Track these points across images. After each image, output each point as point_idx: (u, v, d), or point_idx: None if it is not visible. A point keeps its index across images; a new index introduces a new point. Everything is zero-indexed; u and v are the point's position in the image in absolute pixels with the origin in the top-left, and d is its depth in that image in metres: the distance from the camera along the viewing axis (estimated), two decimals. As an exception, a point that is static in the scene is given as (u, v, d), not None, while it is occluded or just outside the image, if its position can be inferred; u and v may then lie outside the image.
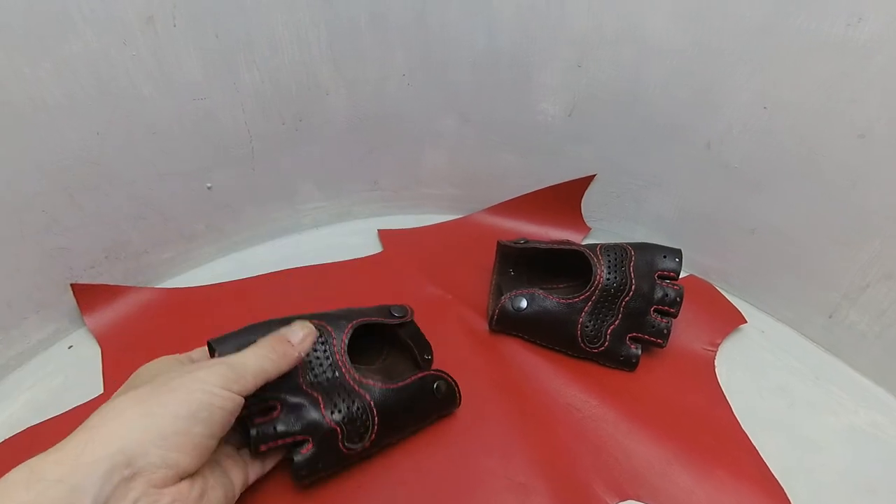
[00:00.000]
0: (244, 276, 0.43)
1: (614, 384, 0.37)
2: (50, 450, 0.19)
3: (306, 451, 0.26)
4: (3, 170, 0.31)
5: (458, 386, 0.33)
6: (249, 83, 0.38)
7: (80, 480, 0.18)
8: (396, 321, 0.33)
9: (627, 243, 0.39)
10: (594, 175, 0.46)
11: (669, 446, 0.33)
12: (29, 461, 0.18)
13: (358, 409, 0.28)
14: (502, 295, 0.39)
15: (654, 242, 0.40)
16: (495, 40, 0.42)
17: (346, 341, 0.29)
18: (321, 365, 0.28)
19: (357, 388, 0.28)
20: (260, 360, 0.24)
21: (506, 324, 0.39)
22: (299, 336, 0.26)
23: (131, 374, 0.36)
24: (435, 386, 0.32)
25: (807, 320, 0.41)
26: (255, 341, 0.26)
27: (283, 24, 0.38)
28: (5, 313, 0.34)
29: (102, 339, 0.38)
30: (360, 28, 0.40)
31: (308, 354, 0.28)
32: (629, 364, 0.38)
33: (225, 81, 0.37)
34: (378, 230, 0.48)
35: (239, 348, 0.25)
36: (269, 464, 0.27)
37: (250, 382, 0.23)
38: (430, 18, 0.41)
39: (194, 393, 0.21)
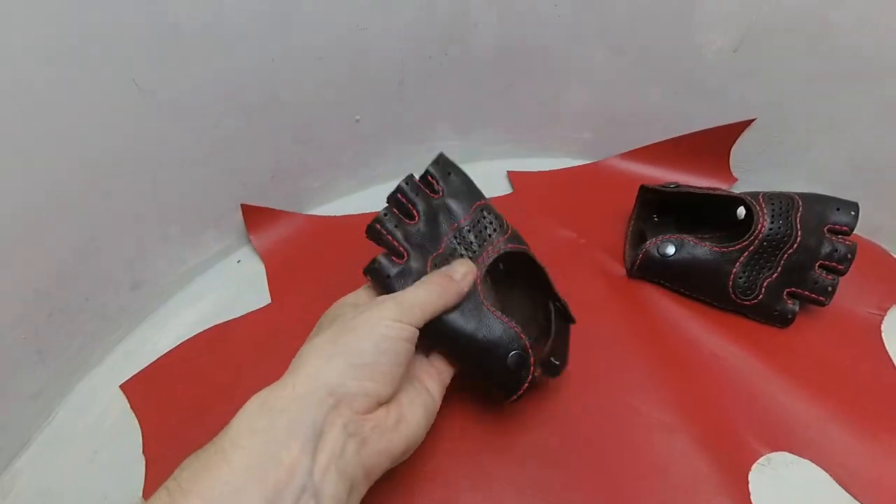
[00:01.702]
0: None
1: (764, 339, 0.36)
2: (271, 386, 0.22)
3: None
4: (201, 93, 0.34)
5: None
6: (406, 12, 0.38)
7: (296, 410, 0.21)
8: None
9: (794, 192, 0.36)
10: (752, 120, 0.42)
11: (828, 405, 0.32)
12: (259, 394, 0.22)
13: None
14: (645, 241, 0.38)
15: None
16: (660, -38, 0.38)
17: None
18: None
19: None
20: (425, 293, 0.26)
21: (648, 270, 0.38)
22: (461, 272, 0.28)
23: (292, 288, 0.40)
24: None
25: None
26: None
27: (446, -52, 0.37)
28: (195, 223, 0.39)
29: (266, 256, 0.42)
30: (516, -50, 0.38)
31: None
32: (784, 320, 0.36)
33: (386, 9, 0.37)
34: (508, 171, 0.48)
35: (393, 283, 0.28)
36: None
37: (418, 314, 0.25)
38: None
39: (374, 328, 0.24)
